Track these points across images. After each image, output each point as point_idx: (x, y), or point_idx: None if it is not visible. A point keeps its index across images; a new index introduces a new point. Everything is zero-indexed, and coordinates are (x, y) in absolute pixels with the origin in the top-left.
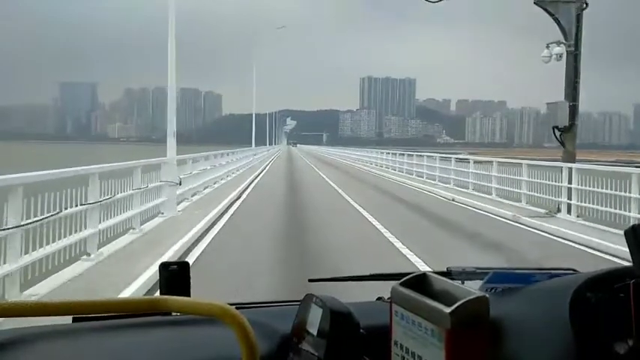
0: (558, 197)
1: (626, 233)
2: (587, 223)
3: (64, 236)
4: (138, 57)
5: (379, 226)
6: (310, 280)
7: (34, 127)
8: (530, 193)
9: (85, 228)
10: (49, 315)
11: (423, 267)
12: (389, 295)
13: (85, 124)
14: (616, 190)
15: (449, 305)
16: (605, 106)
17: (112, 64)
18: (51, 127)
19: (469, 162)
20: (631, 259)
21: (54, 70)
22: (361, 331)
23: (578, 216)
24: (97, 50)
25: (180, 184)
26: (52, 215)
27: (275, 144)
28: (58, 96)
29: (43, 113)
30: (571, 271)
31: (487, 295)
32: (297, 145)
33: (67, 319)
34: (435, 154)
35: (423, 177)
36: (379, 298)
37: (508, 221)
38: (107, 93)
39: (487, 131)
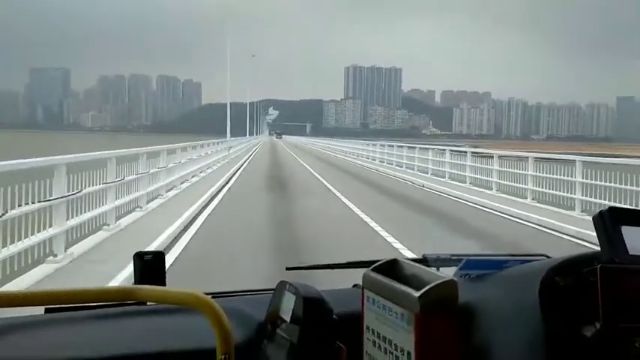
0: None
1: (594, 219)
2: None
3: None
4: (113, 43)
5: None
6: (288, 269)
7: (4, 115)
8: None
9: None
10: (21, 306)
11: None
12: None
13: (57, 112)
14: None
15: (418, 289)
16: (593, 98)
17: (86, 49)
18: (21, 115)
19: (489, 157)
20: (599, 245)
21: (23, 55)
22: (334, 317)
23: None
24: (70, 34)
25: None
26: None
27: (257, 134)
28: (29, 82)
29: (13, 101)
30: (543, 257)
31: (455, 279)
32: (283, 135)
33: (39, 310)
34: (445, 148)
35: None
36: (355, 285)
37: None
38: (80, 80)
39: (475, 123)
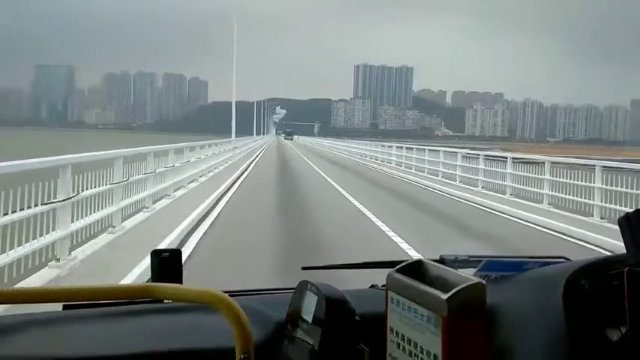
0: None
1: (620, 222)
2: None
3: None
4: (119, 39)
5: None
6: (304, 268)
7: (8, 112)
8: None
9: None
10: (40, 302)
11: None
12: (382, 283)
13: (62, 109)
14: None
15: (445, 292)
16: (612, 100)
17: (91, 46)
18: (25, 112)
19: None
20: (625, 248)
21: (28, 52)
22: (356, 318)
23: None
24: (75, 31)
25: None
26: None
27: (264, 134)
28: (33, 79)
29: (17, 97)
30: (563, 259)
31: (484, 282)
32: (294, 135)
33: (58, 307)
34: (507, 155)
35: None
36: (372, 286)
37: None
38: (85, 77)
39: (488, 124)
